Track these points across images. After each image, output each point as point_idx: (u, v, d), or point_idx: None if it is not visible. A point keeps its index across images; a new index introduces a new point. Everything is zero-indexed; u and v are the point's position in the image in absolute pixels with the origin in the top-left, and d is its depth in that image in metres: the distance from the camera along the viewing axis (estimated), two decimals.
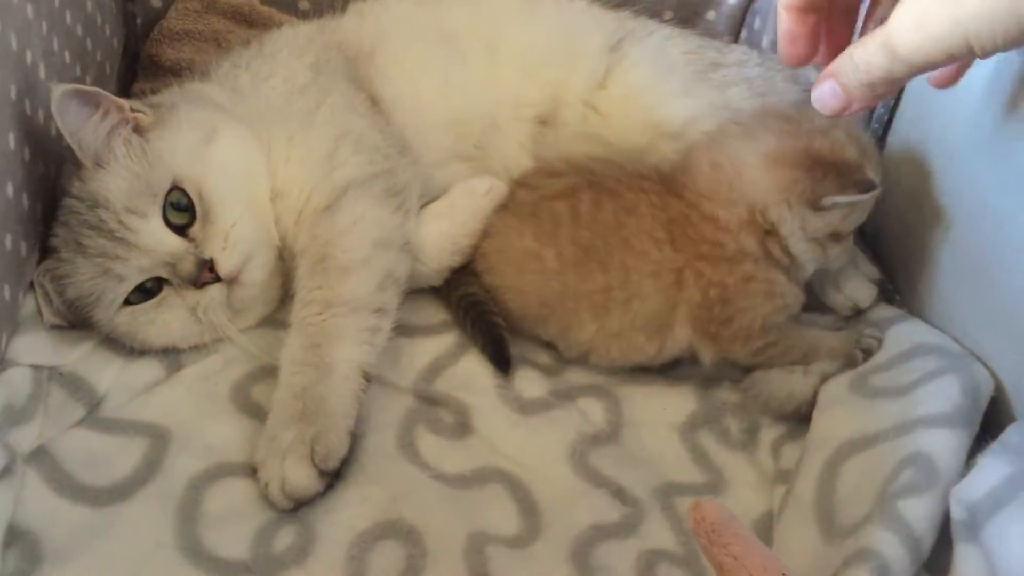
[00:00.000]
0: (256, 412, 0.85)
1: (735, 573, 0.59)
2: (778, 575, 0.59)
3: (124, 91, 1.17)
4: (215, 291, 0.86)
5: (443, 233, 0.96)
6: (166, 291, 0.86)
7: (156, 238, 0.84)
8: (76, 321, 0.86)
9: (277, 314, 0.93)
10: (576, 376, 0.95)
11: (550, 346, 0.97)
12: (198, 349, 0.89)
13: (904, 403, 0.80)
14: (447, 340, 0.94)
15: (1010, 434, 0.71)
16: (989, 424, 0.79)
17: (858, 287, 0.96)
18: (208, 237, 0.85)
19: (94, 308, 0.85)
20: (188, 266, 0.84)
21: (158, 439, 0.81)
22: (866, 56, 0.62)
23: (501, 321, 0.94)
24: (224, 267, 0.86)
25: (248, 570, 0.74)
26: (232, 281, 0.86)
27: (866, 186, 0.85)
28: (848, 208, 0.87)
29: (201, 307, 0.86)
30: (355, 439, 0.83)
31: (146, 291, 0.85)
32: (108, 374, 0.86)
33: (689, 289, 0.89)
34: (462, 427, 0.88)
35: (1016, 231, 0.78)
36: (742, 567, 0.58)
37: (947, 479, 0.72)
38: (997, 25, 0.55)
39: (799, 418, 0.90)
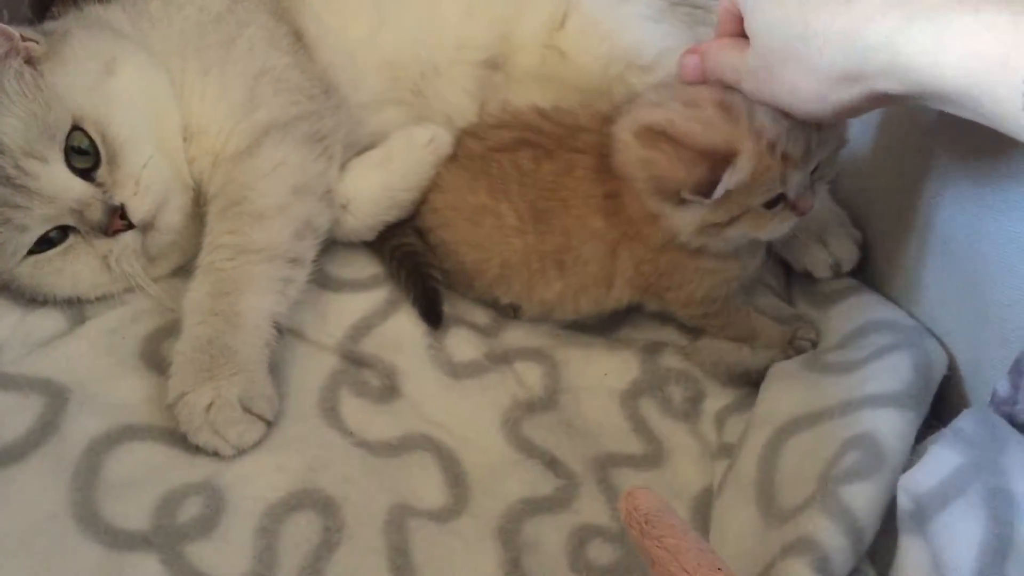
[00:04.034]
0: (167, 369, 0.78)
1: (668, 566, 0.55)
2: (713, 569, 0.55)
3: (40, 16, 1.07)
4: (128, 238, 0.80)
5: (379, 185, 0.89)
6: (73, 238, 0.79)
7: (60, 184, 0.77)
8: None
9: (192, 264, 0.86)
10: (514, 338, 0.90)
11: (487, 305, 0.92)
12: (105, 300, 0.83)
13: (852, 380, 0.76)
14: (377, 296, 0.89)
15: (963, 421, 0.67)
16: (939, 405, 0.76)
17: (844, 246, 0.91)
18: (117, 181, 0.79)
19: None
20: (97, 214, 0.77)
21: (56, 397, 0.75)
22: (726, 61, 0.73)
23: (437, 275, 0.90)
24: (137, 213, 0.79)
25: (148, 542, 0.68)
26: (146, 227, 0.80)
27: (704, 188, 0.74)
28: (712, 202, 0.75)
29: (113, 256, 0.79)
30: None
31: (48, 240, 0.79)
32: (4, 325, 0.80)
33: (623, 263, 0.85)
34: (389, 390, 0.83)
35: (985, 203, 0.74)
36: (675, 561, 0.54)
37: (893, 463, 0.68)
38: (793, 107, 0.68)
39: (746, 384, 0.87)
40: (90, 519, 0.69)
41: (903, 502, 0.65)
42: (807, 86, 0.63)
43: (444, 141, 0.91)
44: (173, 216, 0.82)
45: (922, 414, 0.73)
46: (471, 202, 0.88)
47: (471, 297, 0.92)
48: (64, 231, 0.79)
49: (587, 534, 0.76)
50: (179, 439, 0.75)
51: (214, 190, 0.83)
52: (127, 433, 0.74)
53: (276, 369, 0.80)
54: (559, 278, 0.86)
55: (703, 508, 0.79)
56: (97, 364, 0.78)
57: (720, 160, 0.73)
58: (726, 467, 0.79)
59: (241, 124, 0.83)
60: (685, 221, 0.79)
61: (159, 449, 0.74)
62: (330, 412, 0.80)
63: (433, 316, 0.87)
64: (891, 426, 0.71)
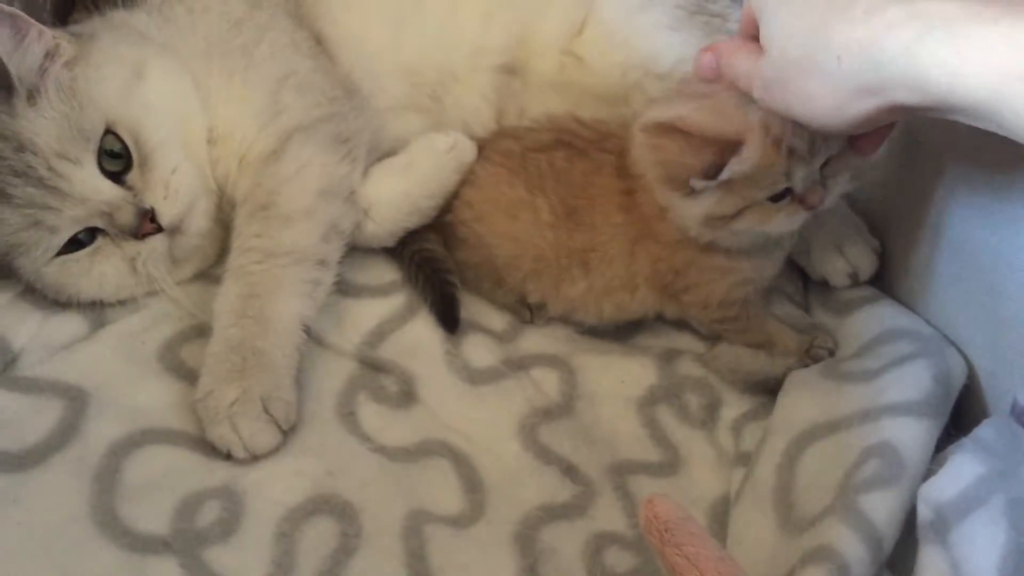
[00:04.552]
0: (186, 374, 0.80)
1: (688, 574, 0.55)
2: None
3: (62, 21, 1.07)
4: (157, 242, 0.80)
5: (400, 191, 0.89)
6: (101, 240, 0.80)
7: (91, 186, 0.77)
8: None
9: (213, 269, 0.87)
10: (530, 344, 0.90)
11: (504, 311, 0.92)
12: (125, 304, 0.83)
13: (872, 388, 0.76)
14: (395, 302, 0.89)
15: (983, 430, 0.67)
16: (958, 414, 0.75)
17: (862, 255, 0.91)
18: (148, 185, 0.79)
19: (19, 259, 0.79)
20: (128, 217, 0.78)
21: (76, 401, 0.75)
22: (740, 67, 0.72)
23: (455, 280, 0.90)
24: (167, 217, 0.80)
25: (167, 546, 0.69)
26: (174, 231, 0.81)
27: (710, 171, 0.75)
28: (717, 191, 0.77)
29: (141, 259, 0.80)
30: None
31: (77, 241, 0.79)
32: (25, 329, 0.80)
33: (641, 262, 0.86)
34: (406, 396, 0.83)
35: (1004, 211, 0.74)
36: (695, 568, 0.54)
37: (913, 472, 0.68)
38: (807, 119, 0.66)
39: (764, 392, 0.87)
40: (110, 522, 0.69)
41: (923, 512, 0.65)
42: (824, 97, 0.62)
43: (465, 148, 0.91)
44: (200, 220, 0.83)
45: (941, 423, 0.73)
46: (509, 196, 0.89)
47: (495, 297, 0.92)
48: (92, 233, 0.79)
49: (604, 541, 0.76)
50: (199, 443, 0.75)
51: (241, 194, 0.83)
52: (147, 437, 0.75)
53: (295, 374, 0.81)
54: (583, 277, 0.87)
55: (720, 516, 0.79)
56: (117, 368, 0.79)
57: (727, 147, 0.74)
58: (743, 475, 0.79)
59: (266, 128, 0.84)
60: (692, 212, 0.79)
61: (179, 453, 0.74)
62: (348, 417, 0.80)
63: (450, 321, 0.87)
64: (911, 435, 0.70)
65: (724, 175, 0.74)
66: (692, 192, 0.78)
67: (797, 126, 0.72)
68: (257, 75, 0.86)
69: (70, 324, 0.82)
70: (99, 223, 0.79)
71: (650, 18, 0.94)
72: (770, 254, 0.85)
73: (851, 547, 0.64)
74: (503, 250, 0.89)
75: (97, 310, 0.83)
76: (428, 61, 0.93)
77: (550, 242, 0.87)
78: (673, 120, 0.78)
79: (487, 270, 0.91)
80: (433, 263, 0.90)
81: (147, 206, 0.79)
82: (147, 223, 0.79)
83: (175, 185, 0.80)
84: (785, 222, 0.79)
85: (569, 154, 0.88)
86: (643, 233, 0.84)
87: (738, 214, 0.78)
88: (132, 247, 0.80)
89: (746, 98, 0.75)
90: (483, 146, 0.93)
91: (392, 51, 0.92)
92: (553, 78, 0.96)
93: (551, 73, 0.96)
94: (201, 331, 0.82)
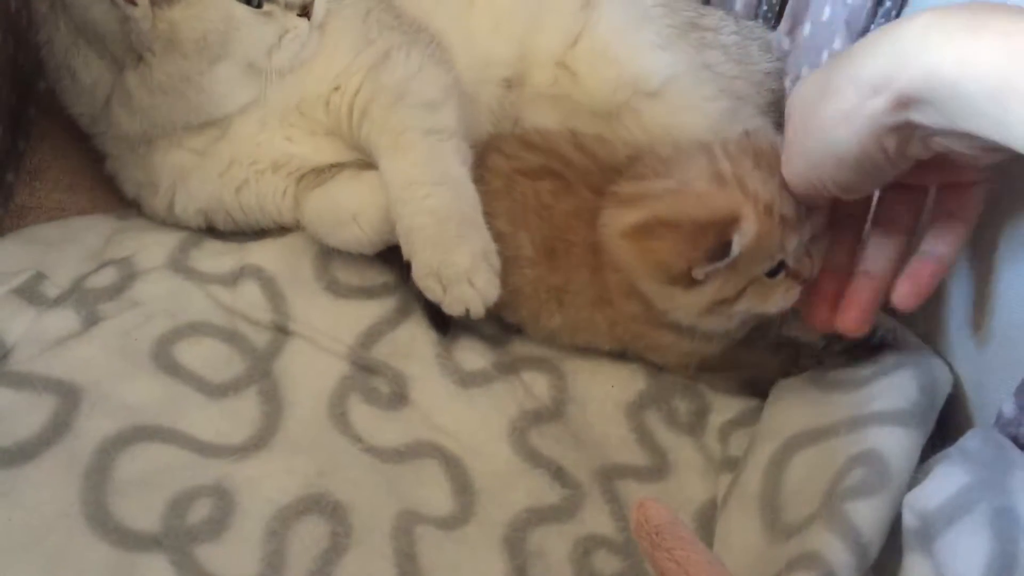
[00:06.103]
0: (179, 372, 0.80)
1: None
2: None
3: None
4: (304, 27, 0.85)
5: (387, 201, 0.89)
6: (268, 7, 0.83)
7: None
8: None
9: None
10: (522, 348, 0.91)
11: (497, 315, 0.92)
12: (118, 301, 0.84)
13: (859, 397, 0.77)
14: (388, 304, 0.89)
15: (969, 440, 0.68)
16: (943, 424, 0.76)
17: None
18: None
19: None
20: None
21: (68, 397, 0.75)
22: None
23: None
24: (318, 15, 0.86)
25: (158, 543, 0.69)
26: (312, 29, 0.86)
27: (716, 253, 0.72)
28: (722, 274, 0.74)
29: (289, 36, 0.85)
30: (282, 406, 0.80)
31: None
32: (18, 324, 0.80)
33: (599, 319, 0.86)
34: (398, 397, 0.83)
35: (994, 222, 0.75)
36: (685, 573, 0.55)
37: (898, 480, 0.69)
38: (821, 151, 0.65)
39: (754, 392, 0.87)
40: (101, 519, 0.69)
41: (908, 520, 0.65)
42: (836, 111, 0.61)
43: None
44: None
45: (927, 433, 0.73)
46: (489, 226, 0.86)
47: None
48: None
49: (592, 544, 0.77)
50: (190, 441, 0.75)
51: (360, 103, 0.87)
52: (138, 434, 0.75)
53: (286, 374, 0.81)
54: (559, 312, 0.87)
55: (707, 521, 0.80)
56: (110, 365, 0.78)
57: (725, 225, 0.72)
58: (730, 481, 0.80)
59: (360, 54, 0.88)
60: (693, 302, 0.77)
61: (170, 451, 0.75)
62: (340, 418, 0.80)
63: (442, 323, 0.88)
64: (897, 443, 0.71)
65: (734, 251, 0.71)
66: (695, 283, 0.75)
67: (784, 192, 0.72)
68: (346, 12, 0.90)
69: (63, 320, 0.81)
70: None
71: (642, 37, 0.95)
72: (709, 340, 0.84)
73: (837, 554, 0.65)
74: None
75: (90, 307, 0.82)
76: None
77: (529, 278, 0.86)
78: (655, 216, 0.76)
79: None
80: None
81: None
82: (312, 6, 0.85)
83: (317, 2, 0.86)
84: (783, 299, 0.76)
85: (556, 187, 0.85)
86: (602, 299, 0.84)
87: (739, 296, 0.76)
88: (290, 20, 0.84)
89: (712, 172, 0.74)
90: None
91: None
92: (548, 91, 0.96)
93: (545, 85, 0.97)
94: (194, 329, 0.82)
